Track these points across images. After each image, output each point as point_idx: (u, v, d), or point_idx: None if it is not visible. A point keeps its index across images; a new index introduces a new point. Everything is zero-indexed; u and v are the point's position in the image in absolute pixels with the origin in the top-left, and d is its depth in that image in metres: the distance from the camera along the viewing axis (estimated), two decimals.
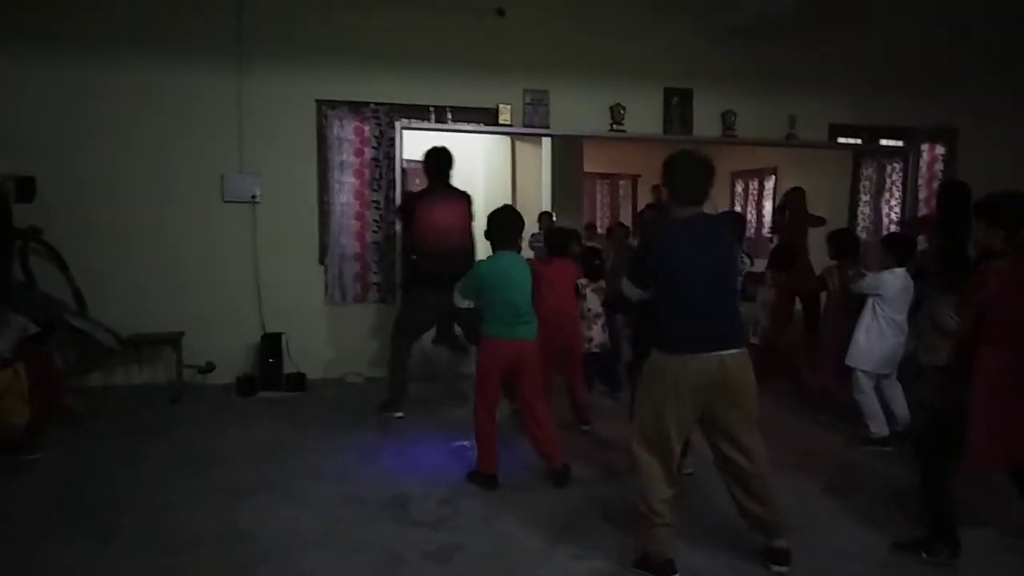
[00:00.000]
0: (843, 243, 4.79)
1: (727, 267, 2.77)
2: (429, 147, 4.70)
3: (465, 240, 4.64)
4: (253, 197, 5.45)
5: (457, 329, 5.12)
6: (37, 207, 4.87)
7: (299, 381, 5.36)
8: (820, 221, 6.35)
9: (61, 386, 4.35)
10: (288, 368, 5.41)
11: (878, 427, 4.26)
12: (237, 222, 5.46)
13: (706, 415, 2.71)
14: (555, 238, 4.64)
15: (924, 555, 2.86)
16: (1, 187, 4.51)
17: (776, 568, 2.78)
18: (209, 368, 5.34)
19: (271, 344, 5.38)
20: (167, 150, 5.30)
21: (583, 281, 4.74)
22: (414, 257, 4.76)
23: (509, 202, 8.29)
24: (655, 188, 9.30)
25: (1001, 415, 2.74)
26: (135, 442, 4.17)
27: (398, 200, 5.54)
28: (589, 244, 5.71)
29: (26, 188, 4.67)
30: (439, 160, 4.63)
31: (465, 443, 4.14)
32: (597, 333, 4.79)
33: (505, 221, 3.71)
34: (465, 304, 3.80)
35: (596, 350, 4.81)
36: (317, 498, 3.45)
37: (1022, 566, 2.91)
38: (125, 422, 4.55)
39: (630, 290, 2.92)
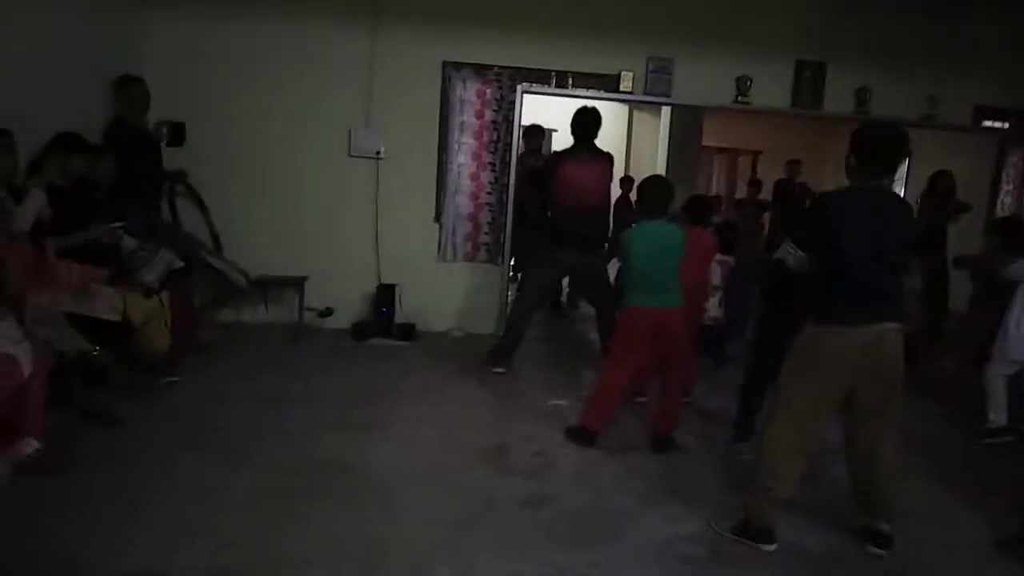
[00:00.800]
0: (1012, 231, 4.49)
1: (900, 244, 2.71)
2: (579, 107, 4.78)
3: (603, 201, 4.74)
4: (377, 153, 5.68)
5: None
6: (184, 153, 5.26)
7: (409, 331, 5.60)
8: (966, 207, 6.02)
9: (198, 319, 4.75)
10: (399, 319, 5.65)
11: (997, 414, 4.06)
12: (361, 176, 5.72)
13: (851, 389, 2.68)
14: (695, 207, 4.57)
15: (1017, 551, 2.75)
16: (156, 131, 4.89)
17: (875, 550, 2.74)
18: (328, 312, 5.66)
19: (385, 294, 5.64)
20: (302, 105, 5.59)
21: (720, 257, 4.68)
22: (551, 215, 4.83)
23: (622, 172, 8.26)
24: (790, 164, 9.00)
25: None
26: (259, 375, 4.51)
27: (514, 162, 5.64)
28: (724, 218, 5.64)
29: (178, 133, 5.05)
30: (586, 120, 4.71)
31: (562, 402, 4.23)
32: (713, 306, 4.75)
33: (655, 189, 3.75)
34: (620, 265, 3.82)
35: (709, 323, 4.77)
36: (420, 440, 3.63)
37: None
38: (251, 356, 4.91)
39: (791, 255, 2.80)
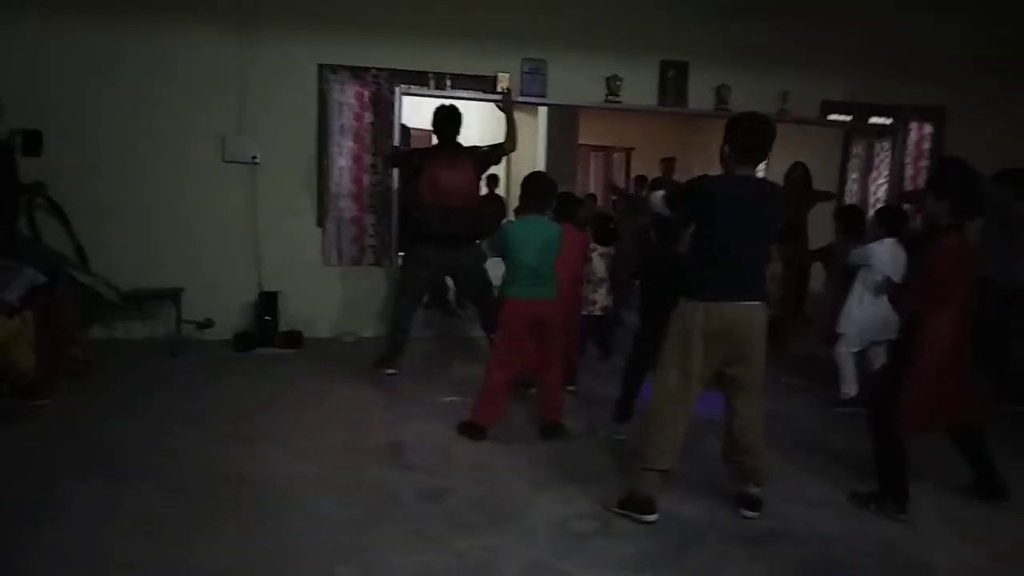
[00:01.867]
0: (852, 219, 4.92)
1: (768, 229, 2.96)
2: (438, 105, 4.77)
3: (468, 198, 4.71)
4: (253, 158, 5.54)
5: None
6: (43, 164, 4.95)
7: (295, 339, 5.51)
8: (828, 196, 6.52)
9: (67, 337, 4.49)
10: (284, 326, 5.55)
11: (848, 387, 4.47)
12: (237, 183, 5.56)
13: (723, 362, 2.88)
14: (562, 204, 4.71)
15: (873, 507, 3.06)
16: (8, 140, 4.58)
17: (748, 512, 2.98)
18: (208, 324, 5.48)
19: (267, 302, 5.52)
20: (170, 111, 5.38)
21: (593, 245, 4.84)
22: (417, 215, 4.83)
23: (497, 172, 8.39)
24: (665, 161, 9.41)
25: (935, 382, 2.91)
26: (138, 392, 4.32)
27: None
28: (600, 210, 5.82)
29: (33, 142, 4.74)
30: (446, 119, 4.70)
31: (455, 399, 4.30)
32: (602, 297, 4.92)
33: (535, 186, 3.86)
34: (494, 257, 3.87)
35: (599, 313, 4.94)
36: (313, 446, 3.61)
37: (966, 516, 3.11)
38: (127, 373, 4.69)
39: (660, 205, 3.13)
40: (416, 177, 4.70)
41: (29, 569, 2.41)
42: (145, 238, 5.40)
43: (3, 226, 4.44)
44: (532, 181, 3.93)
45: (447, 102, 4.83)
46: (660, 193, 3.22)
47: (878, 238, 4.37)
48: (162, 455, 3.40)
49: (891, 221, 4.45)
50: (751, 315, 2.85)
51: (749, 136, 2.88)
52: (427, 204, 4.63)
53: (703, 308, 2.83)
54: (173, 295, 5.27)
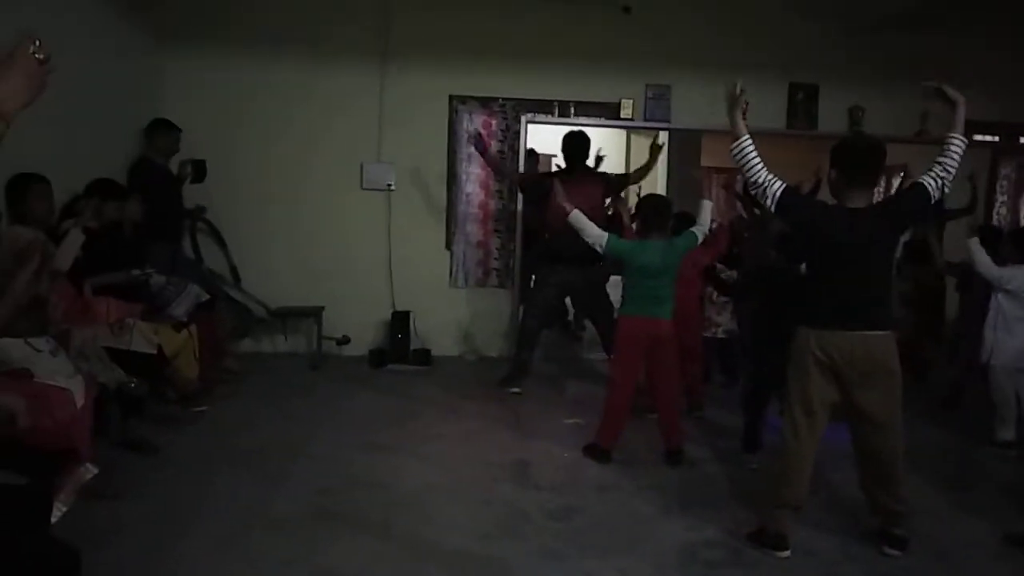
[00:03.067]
0: (987, 238, 4.62)
1: (888, 256, 2.89)
2: (568, 132, 5.04)
3: (595, 220, 4.82)
4: (388, 185, 5.88)
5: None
6: (203, 189, 5.45)
7: (424, 356, 5.75)
8: (964, 212, 6.16)
9: (223, 350, 4.91)
10: (415, 344, 5.81)
11: (1005, 432, 4.16)
12: (373, 208, 5.91)
13: (849, 395, 2.80)
14: (681, 223, 4.68)
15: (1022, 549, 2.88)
16: (180, 170, 5.08)
17: (890, 551, 2.86)
18: (345, 340, 5.82)
19: (400, 321, 5.80)
20: (316, 141, 5.80)
21: (720, 267, 4.78)
22: (547, 236, 5.01)
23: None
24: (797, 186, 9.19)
25: None
26: (283, 401, 4.66)
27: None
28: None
29: (200, 170, 5.22)
30: (573, 144, 4.97)
31: (579, 421, 4.37)
32: (725, 319, 4.87)
33: (652, 208, 3.92)
34: (597, 241, 3.76)
35: (722, 335, 4.89)
36: (445, 458, 3.78)
37: None
38: (275, 384, 5.06)
39: (775, 184, 2.82)
40: (546, 199, 4.87)
41: (189, 557, 2.67)
42: (291, 260, 5.82)
43: (170, 247, 4.92)
44: (648, 203, 3.98)
45: (576, 128, 5.00)
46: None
47: (1016, 262, 4.11)
48: (307, 459, 3.67)
49: None
50: (871, 344, 2.74)
51: (858, 161, 2.81)
52: (556, 225, 4.78)
53: (815, 336, 2.77)
54: (315, 313, 5.65)
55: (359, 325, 5.88)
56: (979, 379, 4.37)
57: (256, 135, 5.74)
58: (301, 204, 5.85)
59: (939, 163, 2.83)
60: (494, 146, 5.99)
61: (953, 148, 2.84)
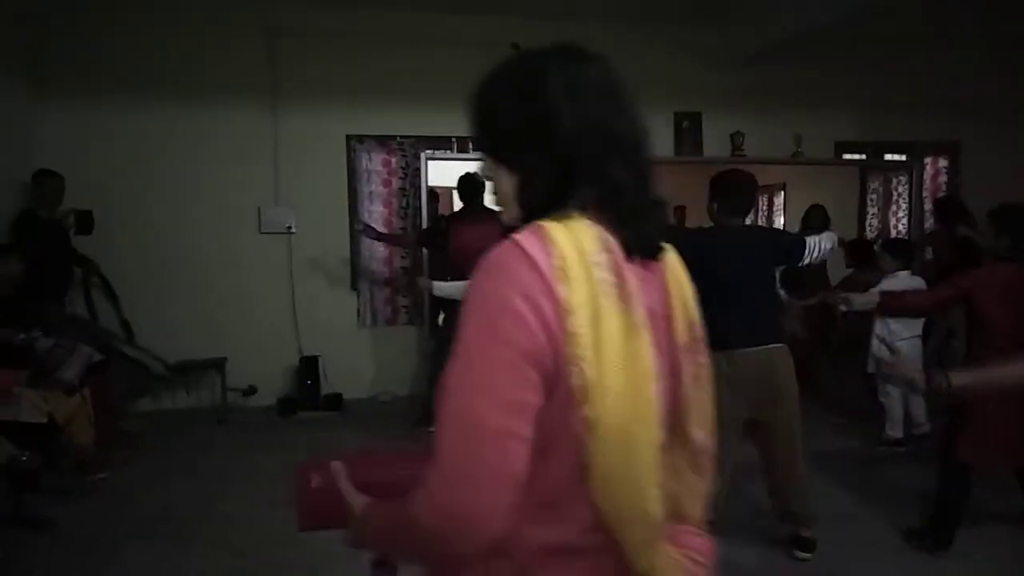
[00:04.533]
0: (859, 251, 5.00)
1: (769, 272, 3.08)
2: (463, 173, 5.07)
3: None
4: (288, 228, 5.76)
5: None
6: (94, 241, 5.17)
7: (336, 401, 5.63)
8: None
9: (118, 411, 4.65)
10: (325, 389, 5.68)
11: (894, 430, 4.47)
12: (274, 252, 5.78)
13: (755, 408, 2.94)
14: None
15: (915, 543, 3.09)
16: (63, 220, 4.81)
17: (801, 554, 3.01)
18: (251, 391, 5.62)
19: (308, 367, 5.66)
20: (208, 186, 5.63)
21: None
22: (449, 278, 5.03)
23: None
24: (677, 208, 9.60)
25: (994, 416, 2.91)
26: (189, 460, 4.45)
27: (425, 223, 5.85)
28: None
29: (85, 221, 4.94)
30: (467, 185, 5.01)
31: None
32: None
33: None
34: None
35: None
36: None
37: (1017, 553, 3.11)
38: (179, 442, 4.83)
39: None
40: (445, 241, 4.92)
41: None
42: (188, 310, 5.59)
43: (56, 305, 4.64)
44: None
45: (471, 169, 5.07)
46: None
47: (891, 271, 4.43)
48: (218, 519, 3.51)
49: (900, 253, 4.51)
50: (773, 357, 2.91)
51: (732, 192, 3.02)
52: (457, 264, 4.83)
53: (723, 357, 2.89)
54: (217, 364, 5.43)
55: (265, 374, 5.71)
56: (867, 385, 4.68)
57: (145, 182, 5.53)
58: (196, 252, 5.65)
59: (822, 240, 3.24)
60: (395, 183, 5.99)
61: (830, 238, 3.34)
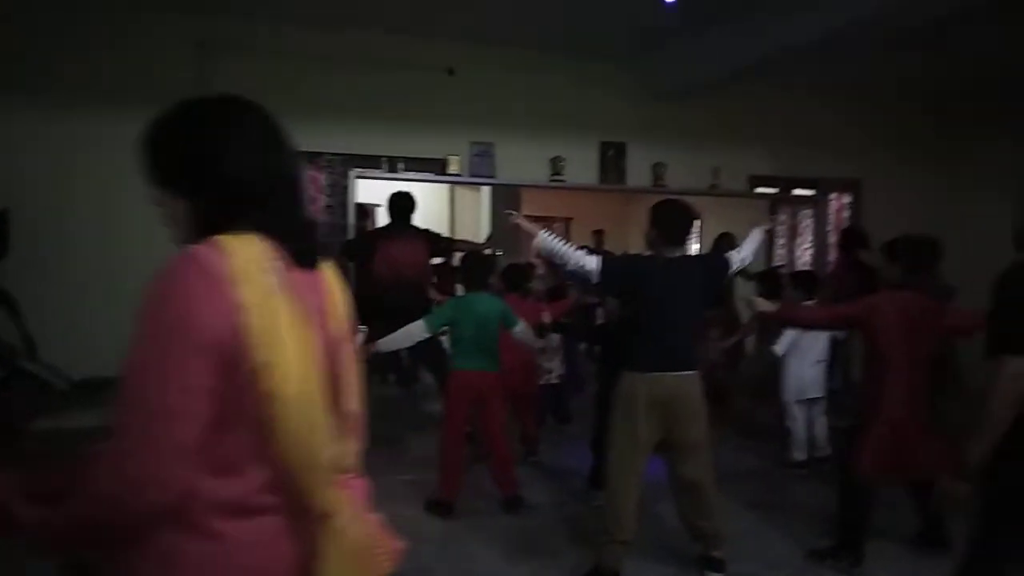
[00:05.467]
0: (770, 283, 5.26)
1: (698, 302, 3.21)
2: (394, 192, 5.18)
3: (420, 274, 5.04)
4: None
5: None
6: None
7: None
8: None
9: (18, 430, 4.41)
10: None
11: (798, 452, 4.70)
12: None
13: (666, 431, 3.05)
14: (511, 275, 4.87)
15: (829, 562, 3.26)
16: None
17: (711, 575, 3.13)
18: None
19: None
20: (134, 198, 5.39)
21: (546, 315, 4.98)
22: (375, 292, 5.05)
23: None
24: (596, 233, 9.85)
25: (887, 433, 3.09)
26: None
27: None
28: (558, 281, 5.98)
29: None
30: (397, 204, 5.13)
31: (415, 477, 4.36)
32: (557, 365, 5.10)
33: (474, 265, 4.08)
34: (420, 335, 3.81)
35: (555, 381, 5.11)
36: None
37: (916, 569, 3.33)
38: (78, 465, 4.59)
39: (588, 262, 3.02)
40: (372, 256, 4.95)
41: None
42: (106, 323, 5.31)
43: None
44: (469, 259, 4.17)
45: (403, 188, 5.12)
46: (588, 256, 3.09)
47: (796, 301, 4.68)
48: None
49: (806, 283, 4.79)
50: (687, 383, 3.05)
51: (672, 222, 3.15)
52: (383, 279, 4.88)
53: (644, 380, 3.02)
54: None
55: None
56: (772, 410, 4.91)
57: (64, 192, 5.28)
58: (115, 261, 5.41)
59: (747, 249, 3.41)
60: (322, 200, 5.93)
61: (755, 238, 3.47)
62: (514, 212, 3.48)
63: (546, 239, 3.11)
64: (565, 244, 3.11)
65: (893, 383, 3.10)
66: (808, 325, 3.93)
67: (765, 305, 3.53)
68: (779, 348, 4.59)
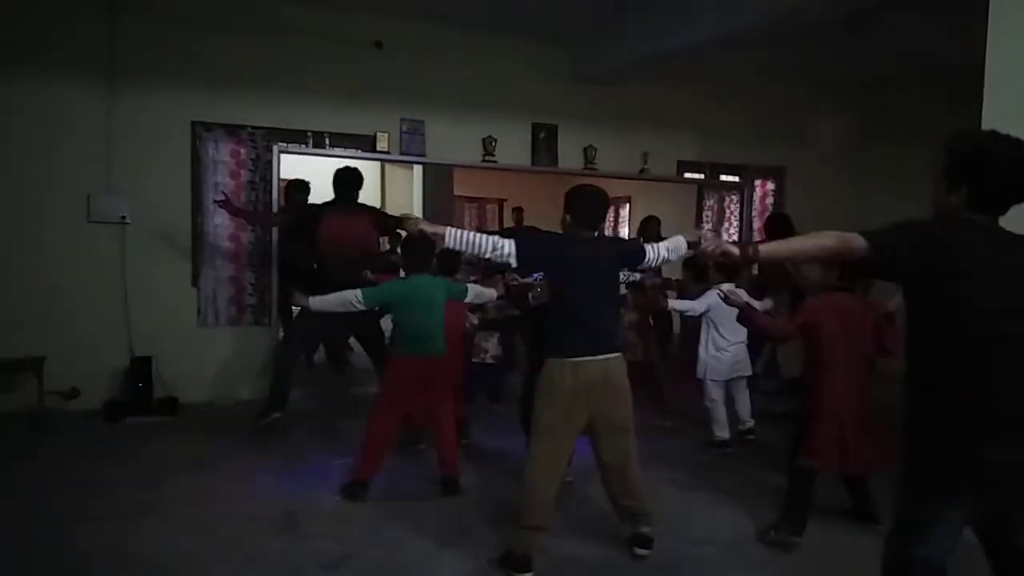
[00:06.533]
0: (696, 265, 5.33)
1: (613, 285, 3.20)
2: (341, 167, 5.15)
3: (365, 251, 5.02)
4: (123, 218, 5.33)
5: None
6: None
7: (170, 405, 5.28)
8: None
9: None
10: (159, 392, 5.31)
11: (720, 431, 4.81)
12: (104, 243, 5.32)
13: (592, 415, 3.04)
14: (442, 260, 4.79)
15: (772, 533, 3.36)
16: None
17: (639, 551, 3.18)
18: (74, 394, 5.14)
19: (140, 368, 5.27)
20: (29, 167, 5.10)
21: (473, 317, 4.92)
22: (315, 266, 5.06)
23: None
24: (516, 211, 9.85)
25: (832, 432, 3.26)
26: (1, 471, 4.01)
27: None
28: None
29: None
30: (343, 179, 5.10)
31: (348, 461, 4.27)
32: (493, 346, 5.06)
33: (415, 246, 3.95)
34: (355, 304, 3.74)
35: (491, 361, 5.08)
36: (203, 519, 3.48)
37: (848, 541, 3.45)
38: None
39: (504, 246, 2.99)
40: (313, 229, 4.91)
41: None
42: (1, 303, 5.03)
43: None
44: (410, 244, 4.04)
45: (350, 164, 5.17)
46: (507, 242, 3.04)
47: (717, 283, 4.75)
48: (34, 540, 3.18)
49: (728, 269, 4.88)
50: (610, 366, 3.04)
51: (586, 206, 3.15)
52: (326, 254, 4.87)
53: (567, 365, 3.00)
54: (33, 364, 4.92)
55: (91, 375, 5.23)
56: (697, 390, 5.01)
57: None
58: (11, 240, 5.09)
59: (665, 245, 3.37)
60: (244, 175, 5.71)
61: (679, 243, 3.40)
62: (416, 217, 3.36)
63: (455, 235, 3.03)
64: (474, 234, 3.05)
65: (835, 382, 3.29)
66: (765, 334, 3.99)
67: (733, 292, 3.56)
68: (677, 305, 4.79)
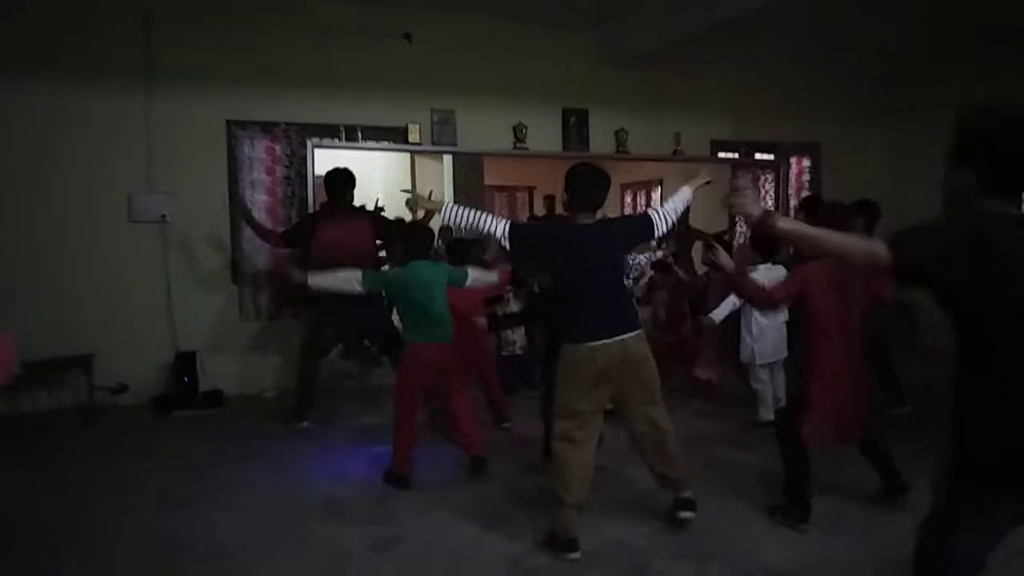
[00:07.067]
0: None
1: (620, 265, 3.18)
2: (331, 169, 4.91)
3: (364, 255, 4.76)
4: (163, 217, 5.44)
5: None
6: None
7: (215, 398, 5.38)
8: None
9: None
10: (204, 386, 5.42)
11: (765, 412, 4.76)
12: (146, 242, 5.44)
13: (616, 392, 3.05)
14: (452, 249, 4.81)
15: (779, 518, 3.31)
16: None
17: (683, 514, 3.18)
18: (121, 389, 5.27)
19: (185, 363, 5.39)
20: (69, 172, 5.22)
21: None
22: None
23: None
24: (547, 199, 9.80)
25: (829, 399, 3.17)
26: (53, 467, 4.13)
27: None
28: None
29: None
30: (335, 181, 4.86)
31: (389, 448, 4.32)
32: (520, 337, 5.09)
33: (413, 234, 3.98)
34: (354, 286, 3.72)
35: (519, 352, 5.10)
36: (251, 506, 3.56)
37: (867, 526, 3.37)
38: (38, 448, 4.46)
39: (497, 227, 3.02)
40: (308, 241, 4.79)
41: None
42: (51, 306, 5.17)
43: None
44: (407, 230, 4.04)
45: (340, 165, 4.95)
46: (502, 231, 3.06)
47: (754, 264, 4.68)
48: (91, 530, 3.28)
49: (764, 247, 4.80)
50: (627, 345, 3.01)
51: (584, 185, 3.11)
52: (325, 260, 4.64)
53: (583, 349, 2.99)
54: (82, 362, 5.06)
55: (138, 371, 5.36)
56: (738, 373, 4.94)
57: (5, 167, 5.08)
58: (61, 243, 5.23)
59: (671, 207, 3.29)
60: (279, 171, 5.78)
61: (684, 195, 3.36)
62: (409, 191, 3.37)
63: (453, 211, 3.05)
64: (474, 212, 3.06)
65: (828, 350, 3.20)
66: (750, 300, 3.89)
67: (725, 259, 3.46)
68: (716, 316, 4.62)
